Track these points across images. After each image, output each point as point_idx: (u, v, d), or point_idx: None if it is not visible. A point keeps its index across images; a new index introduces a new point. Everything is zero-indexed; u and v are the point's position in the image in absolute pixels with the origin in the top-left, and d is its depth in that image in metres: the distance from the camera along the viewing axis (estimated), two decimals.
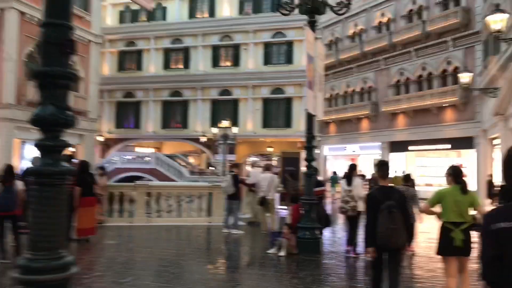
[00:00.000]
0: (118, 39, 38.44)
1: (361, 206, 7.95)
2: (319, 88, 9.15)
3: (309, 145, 8.92)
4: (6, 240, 7.41)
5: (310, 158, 8.94)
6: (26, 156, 26.48)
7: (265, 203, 11.49)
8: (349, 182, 8.53)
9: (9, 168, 7.30)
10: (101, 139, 36.94)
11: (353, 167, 8.78)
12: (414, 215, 8.95)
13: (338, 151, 32.54)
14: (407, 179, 9.26)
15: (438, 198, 5.18)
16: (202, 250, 9.19)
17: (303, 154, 9.63)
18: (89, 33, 29.05)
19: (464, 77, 17.77)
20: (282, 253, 8.23)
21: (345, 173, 9.05)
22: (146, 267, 7.34)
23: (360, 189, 8.45)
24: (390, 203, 4.71)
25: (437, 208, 5.25)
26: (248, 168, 31.14)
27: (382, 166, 5.25)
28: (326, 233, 10.42)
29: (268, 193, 11.41)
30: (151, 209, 12.94)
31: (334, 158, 33.38)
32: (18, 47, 23.73)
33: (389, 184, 5.33)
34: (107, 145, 38.24)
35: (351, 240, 8.53)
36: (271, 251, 8.48)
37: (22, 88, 23.92)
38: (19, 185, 7.31)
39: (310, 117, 8.89)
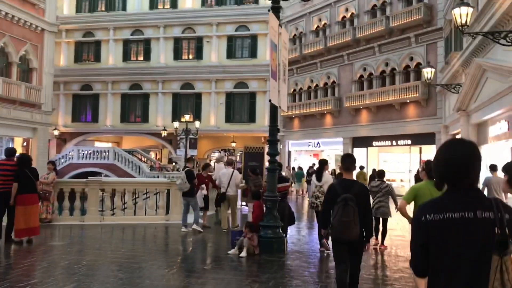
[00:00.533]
0: (75, 29, 36.87)
1: None
2: (283, 79, 8.65)
3: (273, 139, 8.39)
4: None
5: (273, 152, 8.42)
6: None
7: (224, 200, 10.96)
8: (319, 178, 8.43)
9: None
10: (56, 133, 35.36)
11: (323, 163, 8.72)
12: (389, 210, 8.72)
13: (301, 146, 32.33)
14: (381, 175, 9.09)
15: (414, 193, 5.08)
16: (157, 251, 8.52)
17: (267, 149, 9.20)
18: (42, 21, 27.58)
19: (427, 72, 17.70)
20: (243, 254, 7.69)
21: (316, 168, 9.04)
22: (92, 272, 6.63)
23: None
24: (346, 196, 4.69)
25: (409, 213, 5.13)
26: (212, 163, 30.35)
27: (346, 158, 5.20)
28: (290, 231, 9.96)
29: (229, 189, 10.87)
30: (104, 206, 12.17)
31: (297, 154, 33.16)
32: None
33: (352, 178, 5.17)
34: (63, 139, 36.67)
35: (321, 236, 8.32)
36: (232, 251, 7.93)
37: None
38: None
39: (274, 109, 8.37)
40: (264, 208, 8.42)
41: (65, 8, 36.98)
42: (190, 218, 10.85)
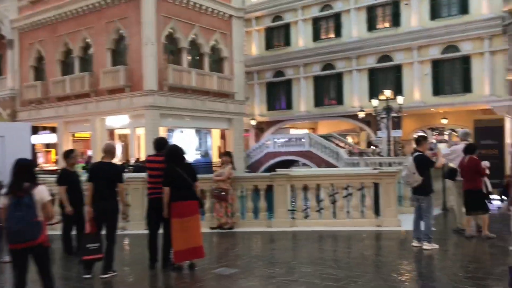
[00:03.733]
0: (264, 15, 35.88)
1: None
2: None
3: None
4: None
5: None
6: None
7: None
8: None
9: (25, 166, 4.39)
10: (253, 123, 35.10)
11: None
12: None
13: None
14: None
15: None
16: None
17: (508, 123, 5.43)
18: (229, 7, 26.85)
19: None
20: None
21: None
22: None
23: None
24: None
25: None
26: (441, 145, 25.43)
27: None
28: None
29: None
30: (295, 207, 9.52)
31: None
32: (156, 29, 22.38)
33: None
34: (260, 129, 36.32)
35: None
36: None
37: (163, 72, 22.59)
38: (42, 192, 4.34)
39: None
40: None
41: None
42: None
